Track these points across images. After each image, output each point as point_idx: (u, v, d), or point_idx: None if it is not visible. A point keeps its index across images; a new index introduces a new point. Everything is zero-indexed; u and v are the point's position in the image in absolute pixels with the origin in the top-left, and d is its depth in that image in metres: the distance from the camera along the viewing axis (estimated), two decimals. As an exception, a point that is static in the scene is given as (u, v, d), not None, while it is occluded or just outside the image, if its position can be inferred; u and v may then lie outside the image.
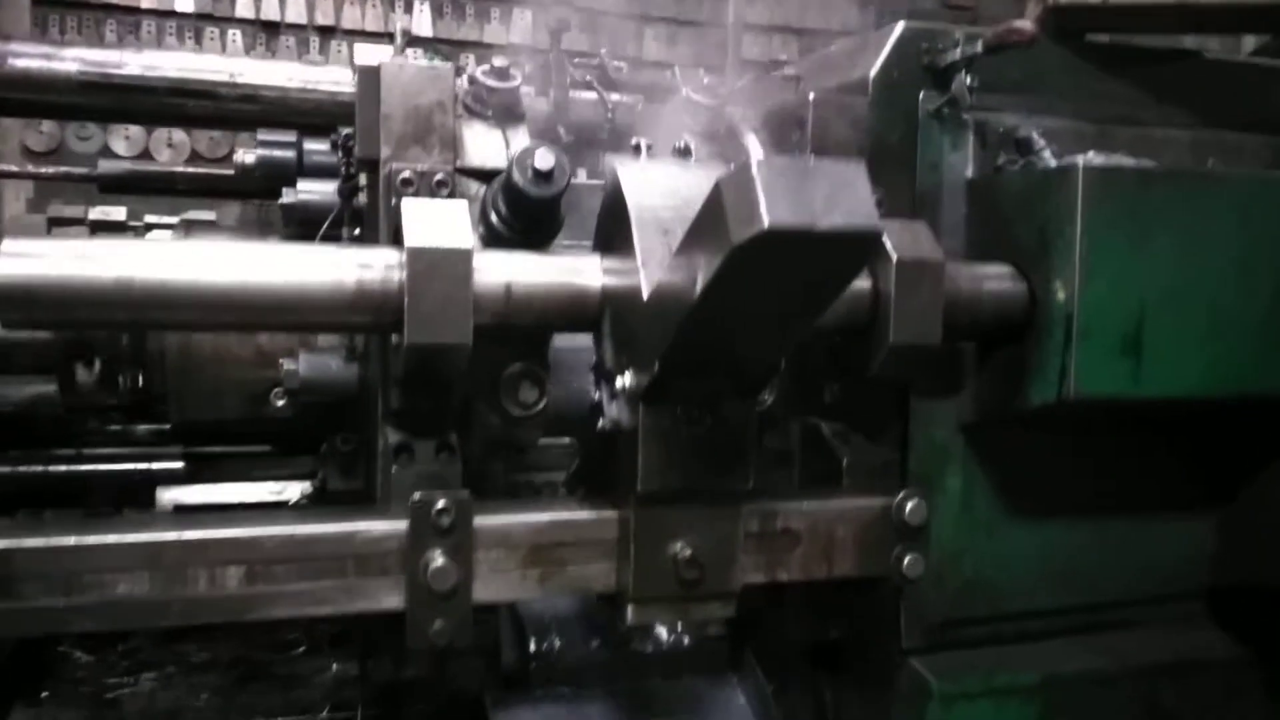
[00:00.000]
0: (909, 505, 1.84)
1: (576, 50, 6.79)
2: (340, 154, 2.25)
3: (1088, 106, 2.25)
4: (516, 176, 1.71)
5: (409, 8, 6.52)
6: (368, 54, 2.33)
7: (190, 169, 2.43)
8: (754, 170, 1.20)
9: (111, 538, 1.46)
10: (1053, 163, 2.07)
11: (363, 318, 1.63)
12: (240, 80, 2.19)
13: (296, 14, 6.29)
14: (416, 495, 1.58)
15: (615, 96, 2.68)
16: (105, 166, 2.36)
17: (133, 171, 2.37)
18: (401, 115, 1.81)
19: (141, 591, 1.46)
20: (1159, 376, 1.95)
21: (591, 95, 2.55)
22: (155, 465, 2.28)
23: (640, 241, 1.58)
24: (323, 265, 1.60)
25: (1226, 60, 2.41)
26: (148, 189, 2.44)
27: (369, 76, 1.82)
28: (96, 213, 5.82)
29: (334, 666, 2.22)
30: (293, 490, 2.30)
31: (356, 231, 2.25)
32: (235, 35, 6.18)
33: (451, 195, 1.77)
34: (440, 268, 1.55)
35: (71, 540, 1.44)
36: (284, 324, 1.73)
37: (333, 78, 2.57)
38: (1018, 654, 2.34)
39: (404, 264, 1.58)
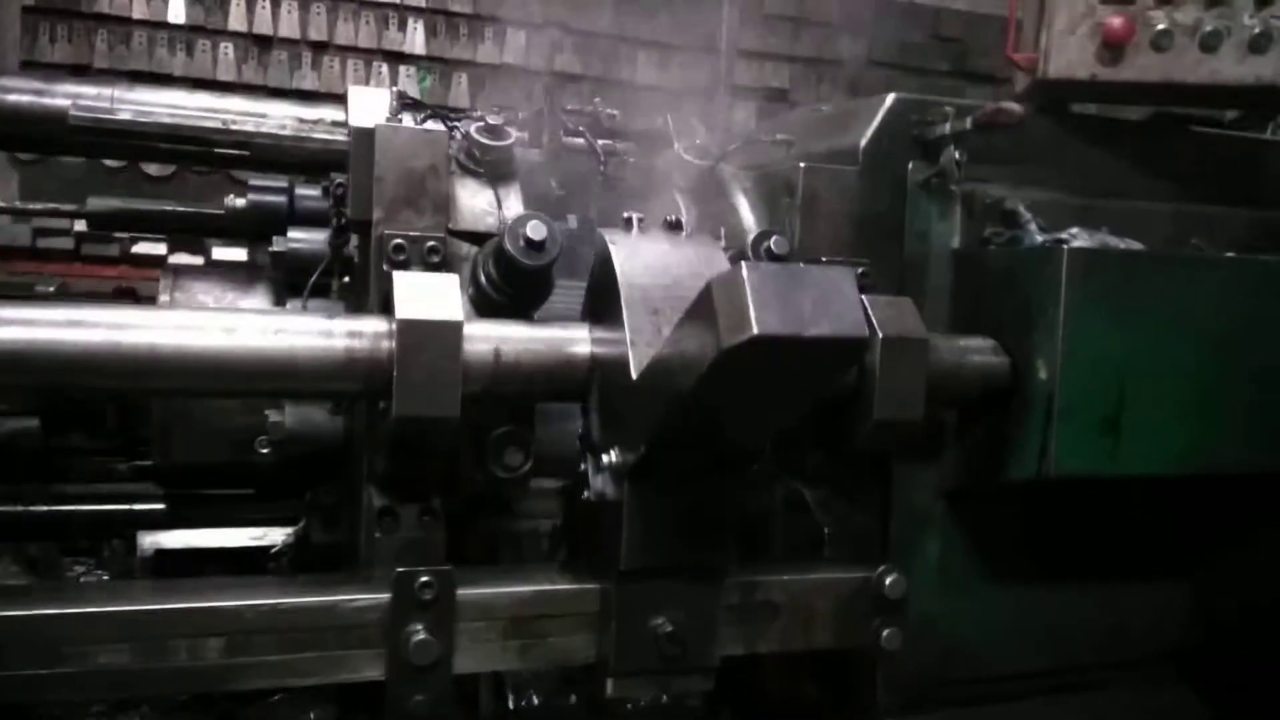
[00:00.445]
0: (889, 580, 1.86)
1: (570, 73, 6.83)
2: (331, 202, 2.25)
3: (1074, 179, 2.28)
4: (509, 246, 1.72)
5: (402, 26, 6.54)
6: (361, 99, 2.33)
7: (181, 208, 2.42)
8: (744, 276, 1.21)
9: (92, 609, 1.45)
10: (1038, 237, 2.10)
11: (352, 385, 1.64)
12: (234, 127, 2.19)
13: (289, 29, 6.27)
14: (399, 570, 1.58)
15: (606, 142, 2.69)
16: (94, 204, 2.35)
17: (123, 210, 2.36)
18: (394, 178, 1.82)
19: (122, 662, 1.45)
20: (1137, 455, 1.98)
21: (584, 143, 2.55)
22: (136, 506, 2.27)
23: (630, 321, 1.59)
24: (313, 334, 1.61)
25: (1211, 133, 2.45)
26: (137, 227, 2.44)
27: (363, 139, 1.82)
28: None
29: (311, 716, 2.21)
30: (275, 535, 2.29)
31: (345, 279, 2.25)
32: (227, 48, 6.14)
33: (443, 261, 1.77)
34: (430, 344, 1.56)
35: (53, 611, 1.44)
36: (274, 391, 1.74)
37: (328, 119, 2.58)
38: (992, 716, 2.37)
39: (393, 333, 1.59)
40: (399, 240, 1.75)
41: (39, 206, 2.80)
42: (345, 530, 2.12)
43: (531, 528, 2.21)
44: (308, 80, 6.40)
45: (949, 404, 2.07)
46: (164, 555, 2.23)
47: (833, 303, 1.24)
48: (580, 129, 2.54)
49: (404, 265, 1.75)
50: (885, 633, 1.88)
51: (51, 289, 2.54)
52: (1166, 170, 2.38)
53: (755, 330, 1.19)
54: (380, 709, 1.69)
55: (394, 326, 1.58)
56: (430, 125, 1.96)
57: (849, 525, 2.06)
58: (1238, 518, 2.37)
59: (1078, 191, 2.28)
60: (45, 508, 2.27)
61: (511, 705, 2.06)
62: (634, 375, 1.53)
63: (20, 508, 2.26)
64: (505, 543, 2.18)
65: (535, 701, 2.08)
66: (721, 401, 1.37)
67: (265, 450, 2.10)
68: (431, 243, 1.76)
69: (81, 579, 2.24)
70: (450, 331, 1.57)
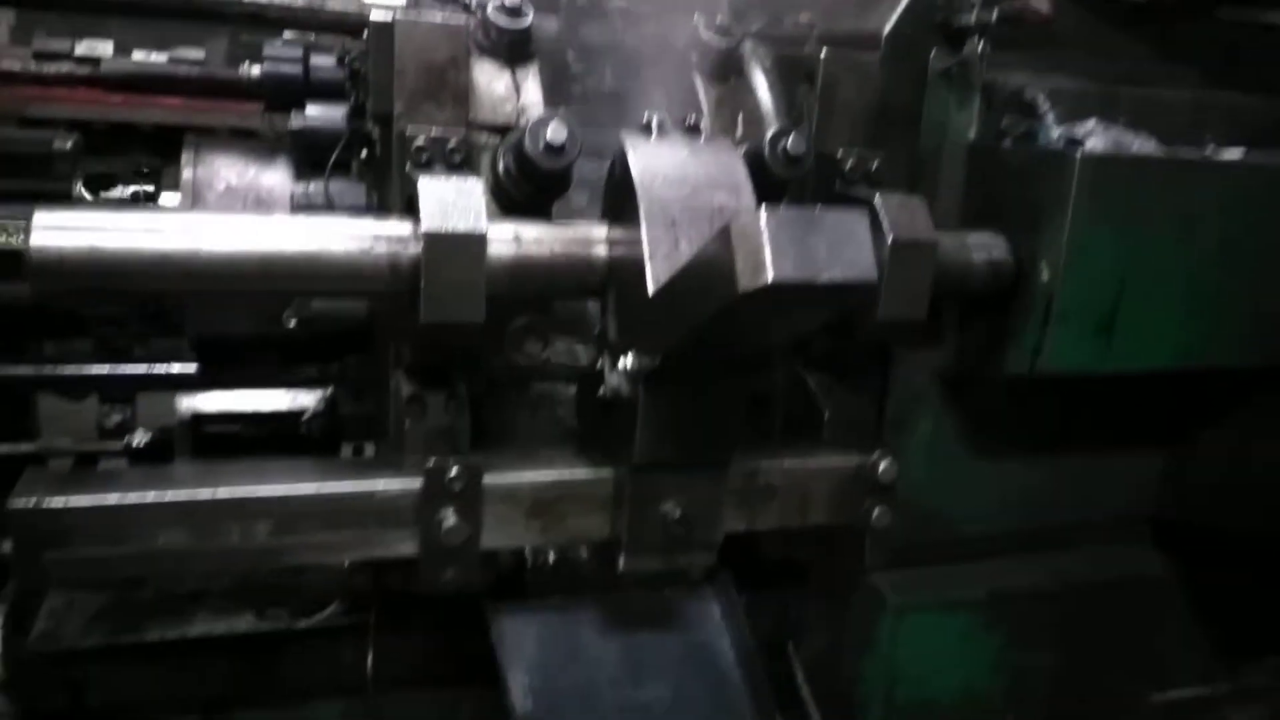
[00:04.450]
0: (882, 465, 1.99)
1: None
2: (347, 74, 2.25)
3: (1096, 66, 2.26)
4: (529, 148, 1.74)
5: None
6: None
7: (196, 72, 2.40)
8: (762, 222, 1.27)
9: (151, 496, 1.59)
10: (1054, 131, 2.10)
11: (379, 287, 1.70)
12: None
13: None
14: (431, 462, 1.71)
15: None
16: (109, 66, 2.34)
17: (138, 73, 2.34)
18: (414, 72, 1.82)
19: (180, 543, 1.60)
20: (1128, 353, 2.07)
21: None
22: (170, 368, 2.38)
23: (648, 233, 1.64)
24: (342, 238, 1.66)
25: (1238, 20, 2.39)
26: (153, 89, 2.42)
27: (382, 32, 1.81)
28: (83, 47, 5.65)
29: (346, 561, 2.40)
30: (304, 399, 2.42)
31: (364, 154, 2.27)
32: None
33: (465, 160, 1.80)
34: (456, 252, 1.62)
35: (114, 499, 1.57)
36: (304, 292, 1.81)
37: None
38: (968, 571, 2.57)
39: (419, 238, 1.64)
40: (421, 142, 1.77)
41: (53, 71, 2.74)
42: (372, 404, 2.24)
43: (547, 392, 2.32)
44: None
45: (952, 295, 2.14)
46: (200, 418, 2.36)
47: (846, 248, 1.29)
48: (597, -7, 2.48)
49: (427, 166, 1.78)
50: (876, 511, 2.03)
51: (69, 145, 2.54)
52: (1189, 56, 2.35)
53: (771, 277, 1.25)
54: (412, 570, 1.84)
55: (419, 229, 1.64)
56: (450, 10, 1.93)
57: (847, 409, 2.18)
58: (1219, 398, 2.48)
59: (1099, 79, 2.25)
60: (80, 369, 2.38)
61: (529, 563, 2.24)
62: (651, 290, 1.60)
63: (55, 368, 2.37)
64: (523, 409, 2.30)
65: (550, 559, 2.26)
66: (735, 329, 1.45)
67: (293, 325, 2.19)
68: (453, 143, 1.78)
69: (127, 440, 2.38)
70: (475, 243, 1.62)
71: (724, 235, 1.31)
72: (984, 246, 2.06)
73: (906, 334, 2.03)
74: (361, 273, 1.68)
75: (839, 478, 2.00)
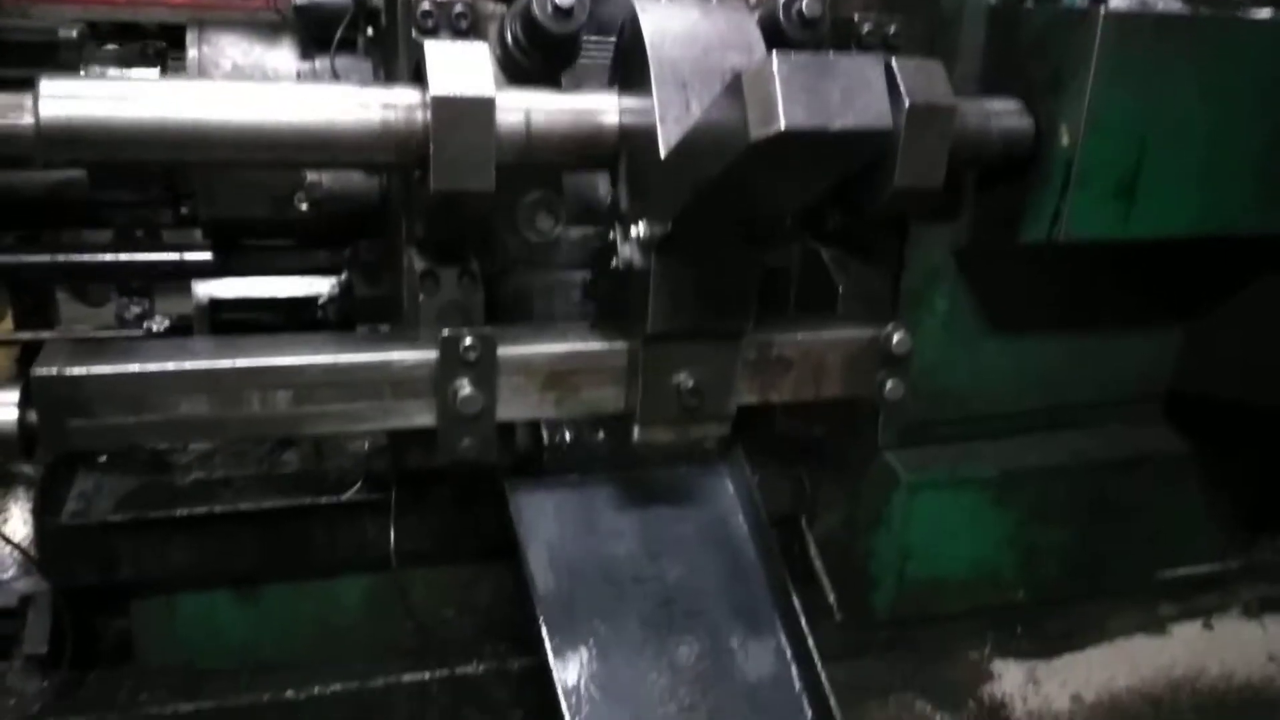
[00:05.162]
0: (896, 337, 1.98)
1: None
2: (351, -54, 2.19)
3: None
4: (536, 11, 1.71)
5: None
6: None
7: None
8: (774, 69, 1.24)
9: (172, 365, 1.61)
10: (1078, -8, 2.04)
11: (388, 156, 1.69)
12: None
13: None
14: (446, 332, 1.71)
15: None
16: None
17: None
18: (419, -65, 1.77)
19: (201, 411, 1.63)
20: (1149, 218, 2.04)
21: None
22: (186, 256, 2.39)
23: (659, 94, 1.61)
24: (350, 106, 1.64)
25: None
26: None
27: (385, -108, 1.76)
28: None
29: (366, 445, 2.45)
30: (320, 285, 2.42)
31: (370, 31, 2.23)
32: None
33: (472, 26, 1.76)
34: (464, 117, 1.60)
35: (136, 368, 1.59)
36: (313, 162, 1.80)
37: None
38: (982, 449, 2.59)
39: (427, 104, 1.61)
40: (427, 6, 1.73)
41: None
42: (387, 285, 2.24)
43: (562, 279, 2.32)
44: None
45: (970, 164, 2.11)
46: (218, 304, 2.38)
47: (859, 94, 1.27)
48: None
49: (433, 32, 1.74)
50: (889, 384, 2.02)
51: (74, 33, 2.51)
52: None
53: (783, 124, 1.23)
54: (431, 446, 1.87)
55: (427, 97, 1.61)
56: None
57: (862, 283, 2.17)
58: (1233, 270, 2.45)
59: (1126, -62, 2.17)
60: (92, 257, 2.39)
61: (546, 440, 2.27)
62: (662, 153, 1.58)
63: (70, 257, 2.38)
64: (538, 295, 2.30)
65: (567, 437, 2.29)
66: (747, 185, 1.43)
67: (304, 206, 2.18)
68: (459, 8, 1.75)
69: (146, 326, 2.40)
70: (484, 107, 1.60)
71: (735, 84, 1.29)
72: (1003, 113, 2.02)
73: (923, 204, 1.99)
74: (370, 141, 1.66)
75: (853, 350, 1.99)
